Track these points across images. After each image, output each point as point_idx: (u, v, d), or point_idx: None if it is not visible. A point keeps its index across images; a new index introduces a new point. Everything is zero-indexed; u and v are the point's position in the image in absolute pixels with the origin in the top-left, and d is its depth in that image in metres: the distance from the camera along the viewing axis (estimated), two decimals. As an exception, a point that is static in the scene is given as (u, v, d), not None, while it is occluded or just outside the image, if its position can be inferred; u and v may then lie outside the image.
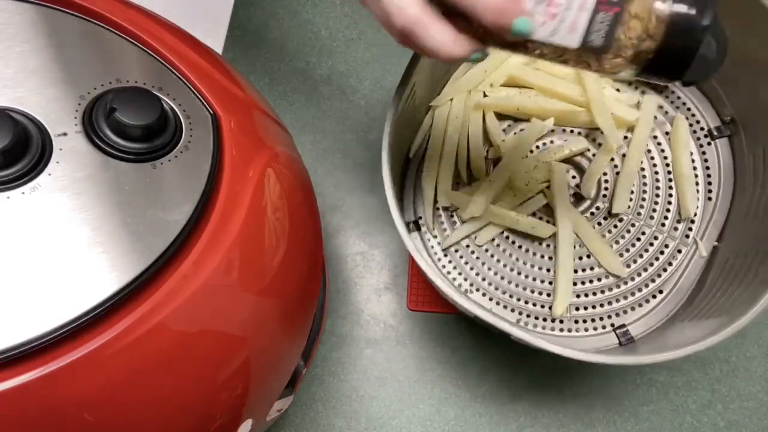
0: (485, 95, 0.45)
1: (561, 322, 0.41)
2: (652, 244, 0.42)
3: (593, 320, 0.41)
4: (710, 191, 0.42)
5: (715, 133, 0.43)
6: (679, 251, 0.42)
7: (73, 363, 0.20)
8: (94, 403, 0.21)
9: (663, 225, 0.43)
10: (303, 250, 0.30)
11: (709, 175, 0.43)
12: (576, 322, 0.41)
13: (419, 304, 0.46)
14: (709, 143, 0.43)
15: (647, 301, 0.41)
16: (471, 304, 0.32)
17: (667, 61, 0.24)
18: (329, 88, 0.53)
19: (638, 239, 0.43)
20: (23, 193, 0.21)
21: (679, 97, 0.45)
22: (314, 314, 0.35)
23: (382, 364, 0.46)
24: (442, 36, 0.23)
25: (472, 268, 0.43)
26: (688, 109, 0.44)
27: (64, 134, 0.23)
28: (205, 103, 0.26)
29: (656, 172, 0.44)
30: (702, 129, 0.44)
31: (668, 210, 0.43)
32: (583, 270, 0.42)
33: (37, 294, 0.20)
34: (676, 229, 0.42)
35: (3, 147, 0.20)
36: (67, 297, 0.20)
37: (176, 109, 0.25)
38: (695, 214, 0.42)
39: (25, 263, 0.21)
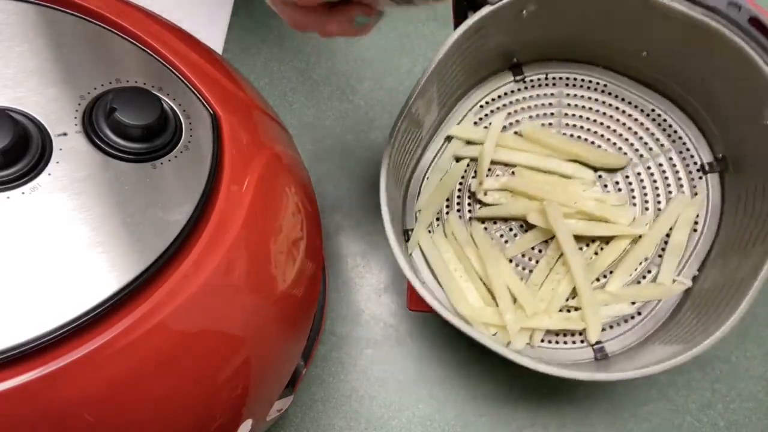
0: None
1: (546, 332, 0.42)
2: (636, 269, 0.43)
3: (573, 335, 0.42)
4: (696, 223, 0.43)
5: (707, 169, 0.44)
6: None
7: (73, 363, 0.20)
8: (94, 403, 0.21)
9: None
10: (303, 250, 0.30)
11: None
12: (556, 334, 0.42)
13: (419, 304, 0.46)
14: (700, 177, 0.44)
15: (625, 321, 0.42)
16: (456, 320, 0.34)
17: None
18: (329, 88, 0.53)
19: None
20: (23, 193, 0.21)
21: (675, 131, 0.45)
22: (314, 314, 0.35)
23: (382, 364, 0.46)
24: None
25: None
26: (684, 144, 0.45)
27: (64, 134, 0.23)
28: (205, 103, 0.26)
29: (646, 201, 0.44)
30: (695, 163, 0.44)
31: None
32: (567, 300, 0.42)
33: (37, 294, 0.20)
34: (660, 256, 0.43)
35: (3, 147, 0.20)
36: (67, 297, 0.20)
37: (176, 109, 0.25)
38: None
39: (25, 263, 0.21)
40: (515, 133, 0.46)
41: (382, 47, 0.54)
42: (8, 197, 0.21)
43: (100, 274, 0.21)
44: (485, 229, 0.44)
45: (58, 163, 0.22)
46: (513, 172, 0.45)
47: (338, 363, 0.46)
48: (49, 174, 0.22)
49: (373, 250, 0.49)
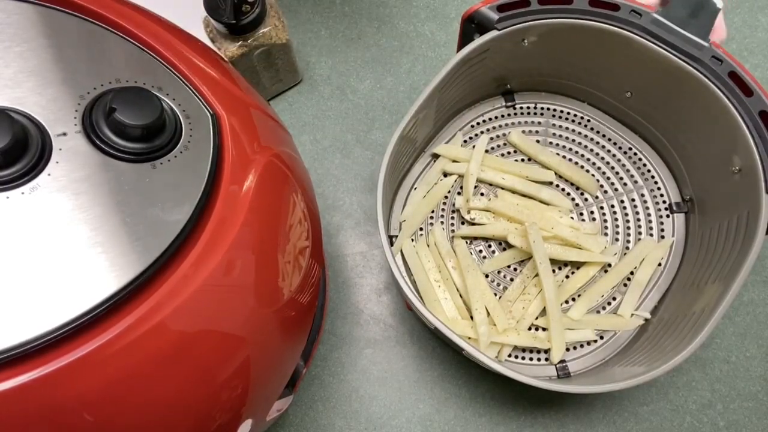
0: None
1: (514, 348, 0.43)
2: (602, 296, 0.44)
3: (539, 351, 0.43)
4: (661, 258, 0.45)
5: (675, 208, 0.46)
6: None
7: (73, 363, 0.20)
8: (94, 403, 0.21)
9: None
10: (303, 250, 0.30)
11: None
12: (523, 350, 0.43)
13: (419, 304, 0.46)
14: (668, 216, 0.46)
15: (588, 344, 0.43)
16: (431, 317, 0.35)
17: None
18: (329, 88, 0.53)
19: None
20: (23, 193, 0.21)
21: (648, 170, 0.47)
22: (314, 314, 0.35)
23: (382, 364, 0.46)
24: None
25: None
26: (655, 182, 0.47)
27: (64, 134, 0.23)
28: (205, 103, 0.26)
29: (617, 232, 0.46)
30: (664, 202, 0.46)
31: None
32: (536, 319, 0.43)
33: (37, 294, 0.20)
34: (625, 285, 0.44)
35: (2, 147, 0.20)
36: (67, 297, 0.20)
37: (176, 109, 0.25)
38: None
39: (25, 263, 0.21)
40: (504, 144, 0.48)
41: (382, 47, 0.54)
42: (8, 197, 0.21)
43: (99, 274, 0.21)
44: (467, 242, 0.45)
45: (57, 163, 0.22)
46: (496, 194, 0.46)
47: (338, 363, 0.46)
48: (49, 174, 0.22)
49: (373, 250, 0.49)
